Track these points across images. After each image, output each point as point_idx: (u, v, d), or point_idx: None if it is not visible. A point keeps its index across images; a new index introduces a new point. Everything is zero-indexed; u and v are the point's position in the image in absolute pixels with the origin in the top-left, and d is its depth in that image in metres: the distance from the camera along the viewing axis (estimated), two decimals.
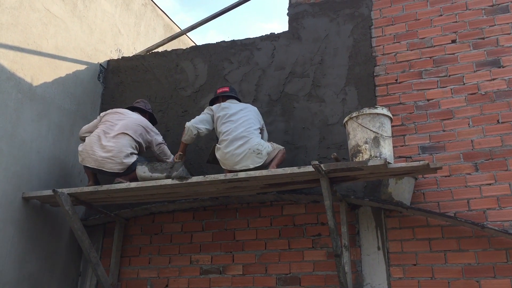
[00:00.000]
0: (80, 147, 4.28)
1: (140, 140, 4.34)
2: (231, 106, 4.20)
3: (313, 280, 3.98)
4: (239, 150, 3.91)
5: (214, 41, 5.23)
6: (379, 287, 3.76)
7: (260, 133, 4.14)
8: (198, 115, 4.72)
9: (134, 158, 4.20)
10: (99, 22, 5.42)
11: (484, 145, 3.89)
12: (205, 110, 4.28)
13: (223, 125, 4.08)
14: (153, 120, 4.68)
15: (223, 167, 4.03)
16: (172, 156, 4.48)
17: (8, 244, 4.00)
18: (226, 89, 4.42)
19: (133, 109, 4.61)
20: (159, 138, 4.50)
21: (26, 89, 4.36)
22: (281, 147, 4.07)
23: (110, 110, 4.54)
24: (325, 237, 4.07)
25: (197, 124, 4.14)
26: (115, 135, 4.22)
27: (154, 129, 4.53)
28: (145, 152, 4.49)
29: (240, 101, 4.42)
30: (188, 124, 4.14)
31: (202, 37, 23.21)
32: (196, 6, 21.05)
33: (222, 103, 4.27)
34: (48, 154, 4.51)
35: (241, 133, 3.98)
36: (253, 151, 3.89)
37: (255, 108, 4.33)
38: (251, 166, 3.86)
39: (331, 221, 3.56)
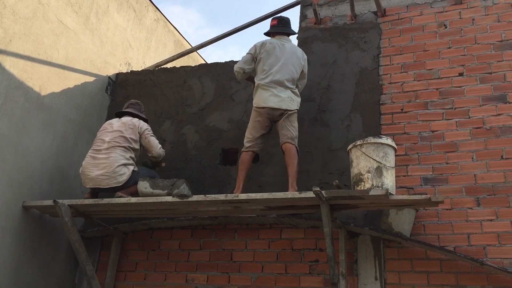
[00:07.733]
0: (80, 170, 4.26)
1: (133, 144, 4.30)
2: (273, 49, 4.24)
3: None
4: (279, 94, 4.12)
5: (228, 59, 5.30)
6: None
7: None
8: (203, 132, 4.77)
9: (129, 169, 4.17)
10: (111, 35, 5.47)
11: (487, 180, 3.87)
12: (248, 50, 4.37)
13: (265, 64, 4.22)
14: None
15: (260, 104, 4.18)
16: (157, 147, 4.38)
17: (5, 252, 3.99)
18: (275, 22, 4.47)
19: (123, 113, 4.56)
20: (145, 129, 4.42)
21: (34, 99, 4.40)
22: (293, 145, 4.07)
23: (102, 125, 4.49)
24: (322, 263, 4.04)
25: (240, 65, 4.28)
26: (106, 151, 4.19)
27: (141, 123, 4.43)
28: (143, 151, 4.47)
29: (292, 33, 4.44)
30: (234, 66, 4.32)
31: (225, 52, 23.32)
32: (221, 23, 21.21)
33: (268, 40, 4.34)
34: (51, 164, 4.53)
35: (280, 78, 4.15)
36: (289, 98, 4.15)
37: (300, 55, 4.31)
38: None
39: (329, 248, 3.54)
